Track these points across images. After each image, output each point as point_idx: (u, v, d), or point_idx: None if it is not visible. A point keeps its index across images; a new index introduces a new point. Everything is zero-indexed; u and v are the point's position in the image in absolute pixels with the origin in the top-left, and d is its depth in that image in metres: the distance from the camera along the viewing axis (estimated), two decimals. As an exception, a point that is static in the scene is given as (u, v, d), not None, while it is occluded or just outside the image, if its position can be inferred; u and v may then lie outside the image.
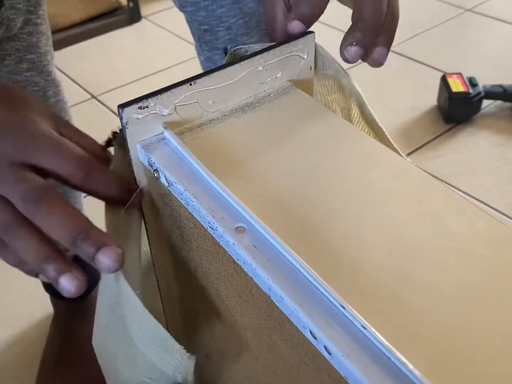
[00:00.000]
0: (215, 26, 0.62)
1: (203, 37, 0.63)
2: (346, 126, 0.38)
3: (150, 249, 0.43)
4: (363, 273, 0.29)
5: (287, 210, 0.32)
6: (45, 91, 0.65)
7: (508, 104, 1.21)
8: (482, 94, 1.18)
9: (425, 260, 0.30)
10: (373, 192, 0.34)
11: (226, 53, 0.43)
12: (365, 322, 0.27)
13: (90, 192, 0.35)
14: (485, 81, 1.21)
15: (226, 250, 0.32)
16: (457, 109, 1.18)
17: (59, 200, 0.33)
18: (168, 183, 0.35)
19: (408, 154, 1.12)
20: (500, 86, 1.20)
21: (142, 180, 0.38)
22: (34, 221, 0.32)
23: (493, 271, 0.29)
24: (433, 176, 0.34)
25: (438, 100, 1.24)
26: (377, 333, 0.26)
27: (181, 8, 0.64)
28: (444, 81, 1.21)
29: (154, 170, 0.36)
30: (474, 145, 1.14)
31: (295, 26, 0.41)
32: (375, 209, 0.33)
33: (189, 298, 0.45)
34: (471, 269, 0.29)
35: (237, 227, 0.32)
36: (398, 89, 1.28)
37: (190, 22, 0.65)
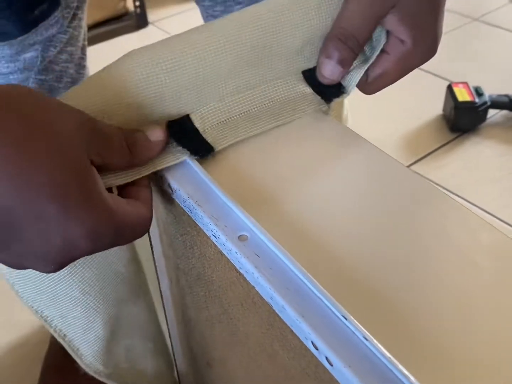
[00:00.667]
0: None
1: None
2: (345, 131, 0.38)
3: (153, 256, 0.43)
4: (365, 284, 0.29)
5: (290, 220, 0.32)
6: (77, 84, 0.66)
7: (514, 114, 1.21)
8: (488, 103, 1.18)
9: (427, 272, 0.30)
10: (376, 203, 0.33)
11: None
12: (367, 333, 0.26)
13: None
14: (491, 90, 1.21)
15: (229, 258, 0.32)
16: (463, 118, 1.18)
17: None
18: (172, 191, 0.35)
19: (414, 163, 1.12)
20: (506, 96, 1.20)
21: None
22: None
23: (494, 282, 0.29)
24: (438, 185, 0.34)
25: (444, 109, 1.24)
26: (379, 345, 0.26)
27: (198, 1, 0.64)
28: (450, 90, 1.21)
29: (158, 177, 0.36)
30: (480, 155, 1.14)
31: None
32: (377, 219, 0.32)
33: (191, 305, 0.45)
34: (474, 280, 0.29)
35: (239, 236, 0.32)
36: (404, 97, 1.27)
37: (205, 16, 0.65)
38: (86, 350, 0.46)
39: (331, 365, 0.27)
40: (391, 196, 0.34)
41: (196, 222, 0.34)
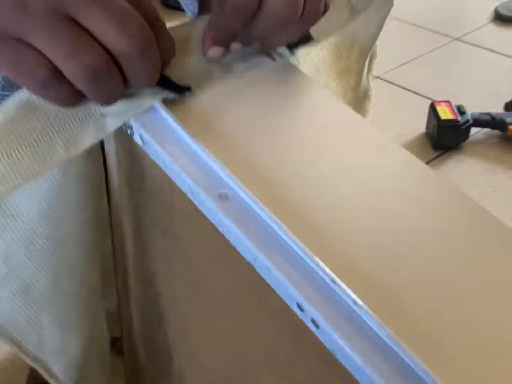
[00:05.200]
0: None
1: None
2: (330, 100, 0.36)
3: (109, 206, 0.40)
4: (352, 249, 0.27)
5: (272, 181, 0.29)
6: None
7: (496, 131, 1.22)
8: (471, 121, 1.18)
9: (411, 237, 0.28)
10: (356, 167, 0.31)
11: None
12: (356, 297, 0.24)
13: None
14: (473, 109, 1.22)
15: (207, 216, 0.29)
16: (446, 136, 1.18)
17: None
18: (143, 142, 0.32)
19: (395, 179, 1.12)
20: (488, 114, 1.21)
21: (109, 141, 0.35)
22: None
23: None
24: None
25: (427, 128, 1.24)
26: (368, 309, 0.24)
27: None
28: (432, 108, 1.21)
29: (127, 127, 0.32)
30: (463, 172, 1.14)
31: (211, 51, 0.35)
32: (359, 184, 0.30)
33: (149, 261, 0.41)
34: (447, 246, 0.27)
35: (220, 194, 0.29)
36: (387, 116, 1.27)
37: None
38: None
39: (317, 327, 0.24)
40: (363, 155, 0.32)
41: (170, 177, 0.31)
